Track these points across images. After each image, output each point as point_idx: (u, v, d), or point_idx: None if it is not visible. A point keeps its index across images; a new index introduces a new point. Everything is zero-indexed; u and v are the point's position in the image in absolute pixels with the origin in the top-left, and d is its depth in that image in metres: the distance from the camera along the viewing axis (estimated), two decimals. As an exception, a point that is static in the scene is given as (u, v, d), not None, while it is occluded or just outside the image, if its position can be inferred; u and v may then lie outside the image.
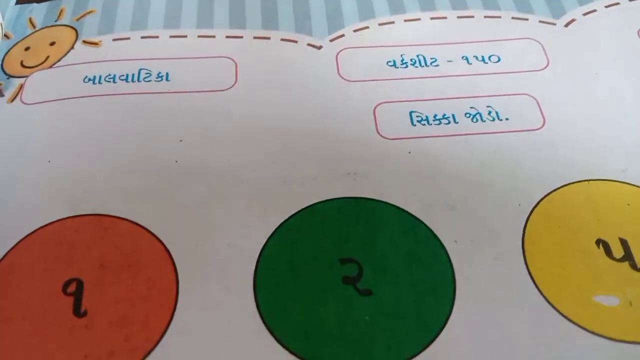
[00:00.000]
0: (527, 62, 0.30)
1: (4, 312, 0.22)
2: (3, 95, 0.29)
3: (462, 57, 0.30)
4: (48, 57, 0.30)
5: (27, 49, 0.31)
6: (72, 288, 0.23)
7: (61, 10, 0.32)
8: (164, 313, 0.23)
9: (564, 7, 0.32)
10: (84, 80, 0.29)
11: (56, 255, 0.24)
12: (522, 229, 0.25)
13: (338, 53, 0.30)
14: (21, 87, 0.29)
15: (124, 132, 0.27)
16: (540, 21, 0.32)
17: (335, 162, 0.26)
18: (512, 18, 0.32)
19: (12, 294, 0.23)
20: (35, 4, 0.33)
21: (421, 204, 0.25)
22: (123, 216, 0.25)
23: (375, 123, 0.28)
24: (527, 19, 0.32)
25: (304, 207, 0.25)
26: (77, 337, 0.22)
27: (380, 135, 0.27)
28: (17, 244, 0.24)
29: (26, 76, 0.29)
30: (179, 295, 0.23)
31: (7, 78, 0.29)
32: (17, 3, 0.33)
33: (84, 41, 0.31)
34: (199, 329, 0.22)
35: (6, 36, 0.31)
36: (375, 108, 0.28)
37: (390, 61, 0.30)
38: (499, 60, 0.30)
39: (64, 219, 0.25)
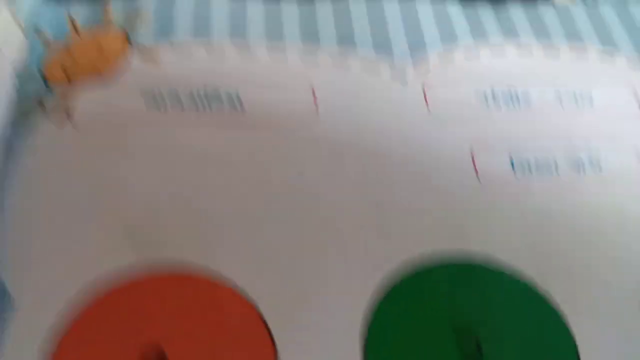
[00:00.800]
0: (621, 105, 0.28)
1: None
2: (45, 112, 0.24)
3: (556, 95, 0.28)
4: (97, 67, 0.26)
5: (70, 55, 0.26)
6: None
7: (107, 11, 0.28)
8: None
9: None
10: (144, 98, 0.25)
11: (132, 320, 0.21)
12: None
13: (424, 84, 0.27)
14: (69, 108, 0.25)
15: (200, 167, 0.24)
16: (628, 59, 0.30)
17: (436, 212, 0.24)
18: (599, 54, 0.30)
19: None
20: (75, 1, 0.28)
21: (536, 267, 0.23)
22: (207, 273, 0.22)
23: (475, 168, 0.25)
24: (614, 58, 0.30)
25: (406, 266, 0.23)
26: None
27: (482, 183, 0.25)
28: (88, 306, 0.21)
29: (74, 92, 0.25)
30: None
31: (50, 90, 0.25)
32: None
33: (139, 49, 0.26)
34: None
35: (43, 37, 0.27)
36: (471, 150, 0.26)
37: (481, 95, 0.27)
38: (591, 101, 0.28)
39: (139, 278, 0.21)
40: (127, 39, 0.27)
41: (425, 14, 0.30)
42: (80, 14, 0.28)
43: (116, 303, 0.21)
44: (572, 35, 0.30)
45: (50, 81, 0.25)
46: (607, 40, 0.30)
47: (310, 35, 0.28)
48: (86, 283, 0.21)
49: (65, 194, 0.23)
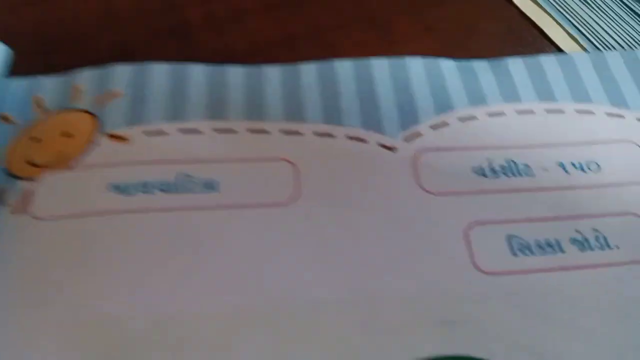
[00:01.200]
0: (629, 171, 0.26)
1: None
2: (4, 204, 0.23)
3: (559, 164, 0.26)
4: (62, 152, 0.24)
5: (34, 140, 0.25)
6: None
7: (76, 89, 0.26)
8: None
9: (663, 103, 0.28)
10: (110, 189, 0.23)
11: None
12: None
13: (416, 157, 0.25)
14: (29, 194, 0.23)
15: (164, 261, 0.22)
16: (637, 119, 0.28)
17: (426, 304, 0.22)
18: (607, 114, 0.28)
19: None
20: (42, 78, 0.27)
21: None
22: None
23: (471, 251, 0.23)
24: (622, 116, 0.28)
25: (394, 367, 0.20)
26: None
27: (477, 269, 0.23)
28: None
29: (36, 178, 0.24)
30: None
31: (11, 179, 0.24)
32: (10, 74, 0.27)
33: (108, 134, 0.25)
34: None
35: (5, 119, 0.25)
36: (466, 231, 0.24)
37: (477, 167, 0.25)
38: (598, 168, 0.26)
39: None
40: (96, 122, 0.25)
41: (419, 82, 0.28)
42: (47, 92, 0.26)
43: None
44: (578, 94, 0.28)
45: (11, 170, 0.24)
46: (616, 100, 0.28)
47: (294, 113, 0.26)
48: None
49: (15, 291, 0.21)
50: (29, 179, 0.24)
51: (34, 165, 0.24)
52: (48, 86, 0.27)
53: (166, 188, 0.24)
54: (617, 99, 0.28)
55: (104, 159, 0.24)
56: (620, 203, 0.25)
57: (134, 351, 0.20)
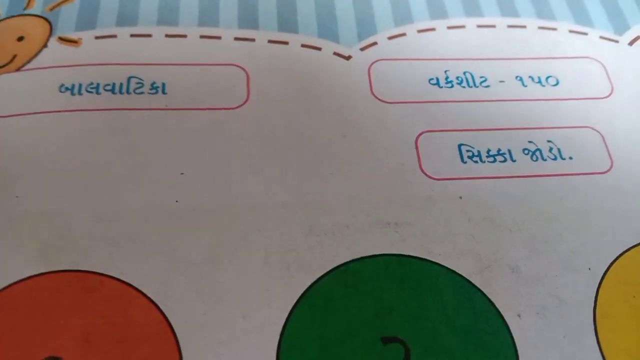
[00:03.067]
0: (588, 86, 0.26)
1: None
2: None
3: (516, 77, 0.25)
4: (15, 56, 0.24)
5: (-12, 44, 0.25)
6: (49, 370, 0.18)
7: (30, -4, 0.26)
8: (165, 407, 0.18)
9: (628, 22, 0.28)
10: (60, 89, 0.23)
11: (29, 325, 0.19)
12: (593, 298, 0.21)
13: (370, 66, 0.25)
14: (-19, 94, 0.23)
15: (110, 159, 0.22)
16: (601, 37, 0.27)
17: (372, 206, 0.22)
18: (570, 31, 0.27)
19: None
20: (-2, -15, 0.27)
21: (478, 265, 0.21)
22: (111, 274, 0.20)
23: (418, 157, 0.23)
24: (586, 34, 0.27)
25: (335, 265, 0.21)
26: None
27: (425, 174, 0.23)
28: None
29: (-13, 80, 0.24)
30: (183, 383, 0.18)
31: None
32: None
33: (59, 38, 0.25)
34: None
35: (-39, 24, 0.25)
36: (417, 138, 0.23)
37: (432, 78, 0.25)
38: (557, 83, 0.26)
39: (37, 275, 0.20)
40: (49, 27, 0.25)
41: None
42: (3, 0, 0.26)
43: (12, 301, 0.19)
44: (543, 11, 0.28)
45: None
46: (581, 18, 0.28)
47: (248, 19, 0.26)
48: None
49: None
50: (-18, 81, 0.24)
51: (-12, 68, 0.24)
52: (4, -8, 0.26)
53: (114, 89, 0.23)
54: (581, 17, 0.28)
55: (55, 61, 0.24)
56: (576, 117, 0.25)
57: (76, 244, 0.20)
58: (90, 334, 0.19)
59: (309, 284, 0.20)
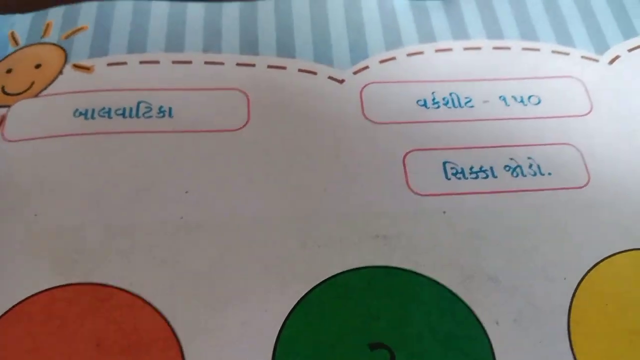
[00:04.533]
0: (569, 105, 0.27)
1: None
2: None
3: (500, 97, 0.27)
4: (33, 82, 0.26)
5: (8, 71, 0.27)
6: (64, 374, 0.20)
7: (47, 25, 0.28)
8: (171, 406, 0.20)
9: (607, 42, 0.29)
10: (74, 114, 0.25)
11: (45, 332, 0.21)
12: (568, 307, 0.22)
13: (362, 88, 0.27)
14: (3, 119, 0.25)
15: (120, 179, 0.24)
16: (582, 57, 0.29)
17: (362, 220, 0.24)
18: (552, 52, 0.29)
19: (-6, 379, 0.20)
20: (17, 15, 0.29)
21: (460, 275, 0.22)
22: (121, 285, 0.22)
23: (406, 174, 0.25)
24: (568, 54, 0.29)
25: (327, 276, 0.22)
26: None
27: (411, 190, 0.24)
28: (1, 316, 0.21)
29: (8, 105, 0.26)
30: (187, 385, 0.20)
31: (-15, 107, 0.26)
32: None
33: (74, 65, 0.27)
34: None
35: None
36: (405, 156, 0.25)
37: (420, 100, 0.27)
38: (539, 102, 0.27)
39: (54, 288, 0.21)
40: (64, 55, 0.27)
41: (371, 18, 0.29)
42: (21, 28, 0.28)
43: (30, 311, 0.21)
44: (527, 33, 0.29)
45: (-14, 97, 0.26)
46: (563, 39, 0.29)
47: (249, 45, 0.28)
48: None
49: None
50: (3, 106, 0.26)
51: (8, 94, 0.26)
52: (22, 22, 0.28)
53: (124, 113, 0.25)
54: (564, 37, 0.29)
55: (70, 87, 0.26)
56: (557, 134, 0.26)
57: (89, 257, 0.22)
58: (101, 340, 0.21)
59: (303, 293, 0.22)
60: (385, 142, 0.25)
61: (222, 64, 0.27)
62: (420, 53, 0.28)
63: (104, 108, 0.26)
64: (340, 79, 0.27)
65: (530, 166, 0.25)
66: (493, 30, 0.29)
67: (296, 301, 0.22)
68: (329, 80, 0.27)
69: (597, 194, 0.25)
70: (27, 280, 0.22)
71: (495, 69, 0.28)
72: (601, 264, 0.23)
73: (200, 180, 0.24)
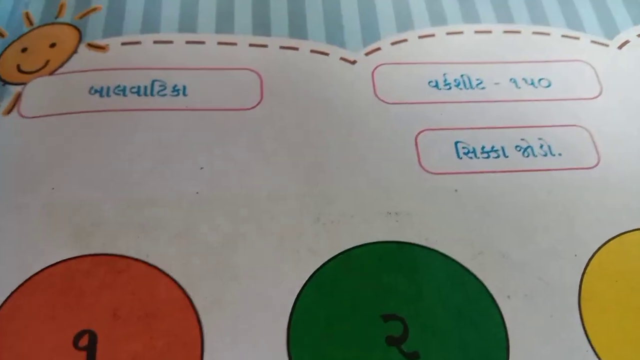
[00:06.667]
0: (579, 88, 0.27)
1: (5, 370, 0.20)
2: (-2, 105, 0.25)
3: (510, 80, 0.27)
4: (48, 61, 0.27)
5: (23, 50, 0.27)
6: (84, 342, 0.20)
7: (61, 5, 0.28)
8: (187, 374, 0.20)
9: (617, 27, 0.29)
10: (89, 92, 0.26)
11: (64, 302, 0.21)
12: (578, 283, 0.22)
13: (374, 69, 0.27)
14: (19, 96, 0.25)
15: (136, 155, 0.24)
16: (592, 41, 0.29)
17: (375, 197, 0.24)
18: (562, 36, 0.29)
19: (14, 346, 0.20)
20: (32, -4, 0.29)
21: (471, 251, 0.23)
22: (137, 257, 0.22)
23: (418, 154, 0.25)
24: (578, 38, 0.29)
25: (340, 250, 0.23)
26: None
27: (424, 169, 0.25)
28: (18, 287, 0.21)
29: (24, 83, 0.26)
30: (204, 353, 0.20)
31: (2, 85, 0.26)
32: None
33: (88, 44, 0.27)
34: None
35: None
36: (417, 136, 0.25)
37: (432, 81, 0.27)
38: (549, 85, 0.27)
39: (71, 258, 0.22)
40: (78, 34, 0.27)
41: (384, 2, 0.29)
42: (35, 8, 0.28)
43: (48, 281, 0.21)
44: (538, 17, 0.30)
45: (3, 77, 0.26)
46: (573, 24, 0.29)
47: (261, 26, 0.28)
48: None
49: (6, 180, 0.23)
50: (19, 84, 0.26)
51: (23, 72, 0.26)
52: (36, 3, 0.29)
53: (139, 91, 0.26)
54: (574, 22, 0.29)
55: (85, 66, 0.26)
56: (567, 116, 0.27)
57: (106, 230, 0.22)
58: (118, 309, 0.21)
59: (317, 266, 0.22)
60: (398, 122, 0.26)
61: (234, 44, 0.27)
62: (432, 35, 0.28)
63: (118, 86, 0.26)
64: (352, 60, 0.27)
65: (541, 146, 0.25)
66: (503, 14, 0.29)
67: (310, 274, 0.22)
68: (341, 61, 0.27)
69: (607, 175, 0.25)
70: (45, 251, 0.22)
71: (505, 52, 0.28)
72: (611, 242, 0.23)
73: (214, 157, 0.24)
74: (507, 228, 0.23)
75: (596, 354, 0.21)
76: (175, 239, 0.22)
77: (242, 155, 0.24)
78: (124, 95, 0.26)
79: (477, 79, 0.27)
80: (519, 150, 0.25)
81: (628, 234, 0.24)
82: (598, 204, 0.24)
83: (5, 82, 0.26)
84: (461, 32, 0.29)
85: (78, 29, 0.28)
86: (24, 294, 0.21)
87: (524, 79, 0.27)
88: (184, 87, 0.26)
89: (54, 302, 0.21)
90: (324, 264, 0.22)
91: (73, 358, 0.20)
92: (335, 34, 0.28)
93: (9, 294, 0.21)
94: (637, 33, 0.29)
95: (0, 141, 0.24)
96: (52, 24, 0.28)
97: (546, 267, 0.23)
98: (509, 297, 0.22)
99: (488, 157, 0.25)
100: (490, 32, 0.29)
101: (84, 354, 0.20)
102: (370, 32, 0.28)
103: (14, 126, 0.25)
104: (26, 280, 0.21)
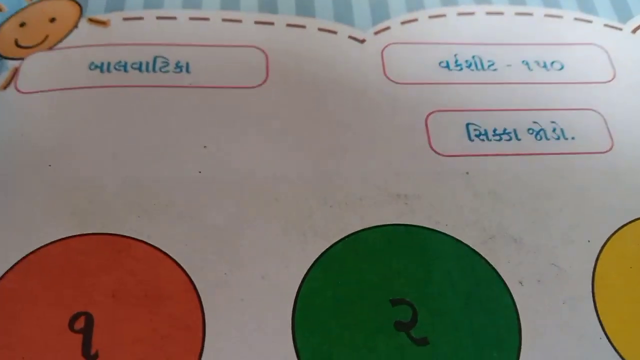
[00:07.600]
0: (592, 71, 0.27)
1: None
2: (-6, 80, 0.24)
3: (523, 62, 0.27)
4: (47, 36, 0.26)
5: (22, 24, 0.26)
6: (80, 324, 0.20)
7: (62, -21, 0.28)
8: (189, 358, 0.19)
9: (631, 11, 0.29)
10: (90, 67, 0.25)
11: (61, 282, 0.20)
12: (592, 269, 0.22)
13: (384, 49, 0.26)
14: (16, 71, 0.25)
15: (137, 132, 0.23)
16: (605, 25, 0.28)
17: (384, 180, 0.23)
18: (575, 19, 0.28)
19: (8, 328, 0.19)
20: (31, -31, 0.28)
21: (482, 235, 0.22)
22: (138, 237, 0.21)
23: (428, 135, 0.24)
24: (590, 21, 0.28)
25: (347, 233, 0.22)
26: (87, 387, 0.19)
27: (434, 151, 0.24)
28: (14, 265, 0.20)
29: (22, 58, 0.25)
30: (206, 337, 0.20)
31: (1, 59, 0.25)
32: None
33: (89, 19, 0.26)
34: None
35: (-3, 7, 0.27)
36: (427, 117, 0.25)
37: (443, 62, 0.26)
38: (562, 67, 0.27)
39: (69, 237, 0.21)
40: (79, 9, 0.27)
41: None
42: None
43: (45, 260, 0.20)
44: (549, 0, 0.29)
45: (1, 52, 0.25)
46: (586, 7, 0.29)
47: (268, 3, 0.27)
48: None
49: (2, 156, 0.23)
50: (17, 59, 0.25)
51: (22, 47, 0.26)
52: (36, -25, 0.28)
53: (141, 67, 0.25)
54: (586, 5, 0.29)
55: (85, 41, 0.26)
56: (580, 100, 0.26)
57: (106, 209, 0.22)
58: (117, 291, 0.20)
59: (323, 249, 0.21)
60: (407, 103, 0.25)
61: (239, 21, 0.27)
62: (443, 16, 0.28)
63: (120, 62, 0.25)
64: (361, 39, 0.27)
65: (554, 130, 0.25)
66: None
67: (316, 257, 0.21)
68: (349, 39, 0.27)
69: (621, 159, 0.24)
70: (42, 229, 0.21)
71: (517, 34, 0.28)
72: (625, 227, 0.23)
73: (218, 135, 0.24)
74: (519, 212, 0.23)
75: (610, 341, 0.20)
76: (177, 220, 0.22)
77: (247, 134, 0.24)
78: (125, 71, 0.25)
79: (489, 61, 0.26)
80: (532, 133, 0.25)
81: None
82: (611, 190, 0.24)
83: (2, 57, 0.25)
84: (472, 13, 0.28)
85: (79, 4, 0.27)
86: (17, 273, 0.20)
87: (536, 61, 0.27)
88: (187, 64, 0.25)
89: (50, 282, 0.20)
90: (330, 247, 0.21)
91: (68, 341, 0.19)
92: (343, 12, 0.27)
93: (2, 273, 0.20)
94: (651, 17, 0.29)
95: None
96: (52, -3, 0.27)
97: (559, 253, 0.22)
98: (521, 282, 0.21)
99: (500, 139, 0.24)
100: (502, 13, 0.28)
101: (79, 336, 0.19)
102: (379, 11, 0.27)
103: (10, 101, 0.24)
104: (21, 259, 0.20)
